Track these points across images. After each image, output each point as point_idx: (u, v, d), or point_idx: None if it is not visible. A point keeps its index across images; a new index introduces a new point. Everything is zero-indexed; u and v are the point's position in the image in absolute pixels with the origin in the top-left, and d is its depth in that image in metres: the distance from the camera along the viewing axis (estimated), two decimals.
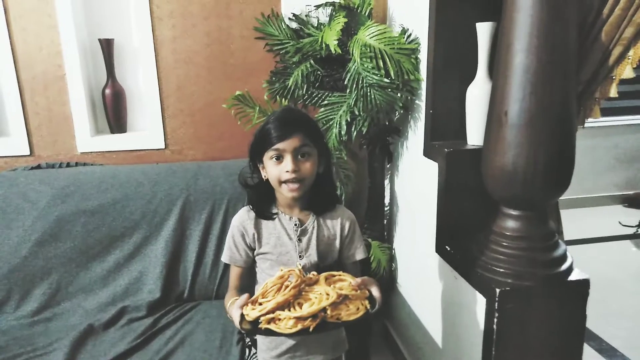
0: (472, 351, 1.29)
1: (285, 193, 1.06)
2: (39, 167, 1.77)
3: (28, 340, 1.41)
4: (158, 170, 1.72)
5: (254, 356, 1.33)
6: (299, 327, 0.90)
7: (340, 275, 1.04)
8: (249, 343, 1.39)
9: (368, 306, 0.98)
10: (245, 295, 0.98)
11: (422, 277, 1.64)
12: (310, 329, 0.91)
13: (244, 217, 1.12)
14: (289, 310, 0.92)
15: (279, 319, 0.91)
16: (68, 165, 1.79)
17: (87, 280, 1.59)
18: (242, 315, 0.95)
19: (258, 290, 1.15)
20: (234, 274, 1.16)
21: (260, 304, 0.94)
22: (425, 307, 1.67)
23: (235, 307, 0.97)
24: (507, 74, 1.07)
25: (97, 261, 1.61)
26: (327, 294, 0.94)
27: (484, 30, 1.27)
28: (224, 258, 1.15)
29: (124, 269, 1.62)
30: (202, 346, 1.38)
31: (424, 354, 1.69)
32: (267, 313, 0.92)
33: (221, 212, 1.67)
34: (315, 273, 1.02)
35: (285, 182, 1.04)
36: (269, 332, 0.92)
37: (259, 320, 0.92)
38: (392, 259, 1.92)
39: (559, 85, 1.05)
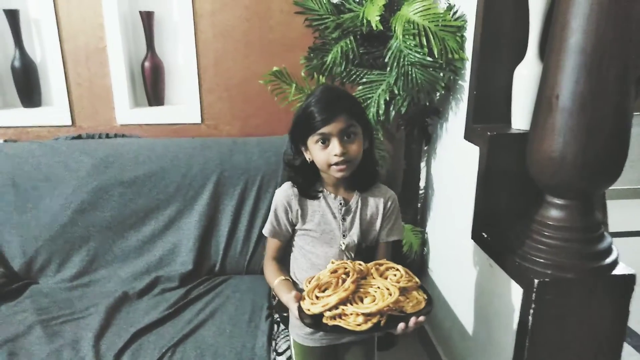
0: (503, 341, 1.26)
1: (334, 174, 1.04)
2: (79, 137, 1.81)
3: (67, 303, 1.47)
4: (194, 144, 1.73)
5: (282, 332, 1.34)
6: (370, 324, 0.88)
7: (386, 263, 1.03)
8: (278, 319, 1.40)
9: (425, 296, 0.97)
10: (295, 293, 0.98)
11: (455, 262, 1.60)
12: (381, 324, 0.90)
13: (289, 193, 1.11)
14: (351, 304, 0.91)
15: (345, 315, 0.90)
16: (107, 136, 1.83)
17: (123, 250, 1.63)
18: (300, 308, 0.94)
19: (296, 268, 1.15)
20: (274, 246, 1.16)
21: (317, 297, 0.93)
22: (456, 293, 1.64)
23: (290, 301, 0.98)
24: (560, 55, 1.01)
25: (133, 231, 1.64)
26: (387, 289, 0.92)
27: (537, 7, 1.20)
28: (265, 231, 1.15)
29: (159, 240, 1.65)
30: (231, 319, 1.40)
31: (452, 340, 1.67)
32: (331, 309, 0.90)
33: (254, 189, 1.67)
34: (362, 263, 1.01)
35: (334, 164, 1.02)
36: (337, 329, 0.90)
37: (322, 315, 0.91)
38: (424, 243, 1.89)
39: (616, 69, 0.98)
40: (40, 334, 1.30)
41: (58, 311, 1.42)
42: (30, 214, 1.60)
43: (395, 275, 0.99)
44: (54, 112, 1.87)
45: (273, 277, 1.10)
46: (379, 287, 0.94)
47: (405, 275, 0.99)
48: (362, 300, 0.92)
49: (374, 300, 0.91)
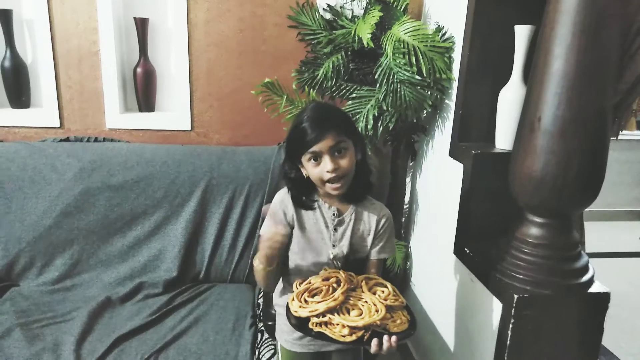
0: (483, 355, 1.29)
1: (330, 192, 1.07)
2: (67, 139, 1.80)
3: (48, 306, 1.45)
4: (183, 151, 1.74)
5: (265, 341, 1.35)
6: (354, 337, 0.91)
7: (376, 279, 1.06)
8: (262, 328, 1.41)
9: (408, 317, 1.00)
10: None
11: (438, 277, 1.63)
12: (365, 339, 0.92)
13: (286, 197, 1.13)
14: (338, 315, 0.94)
15: (331, 324, 0.93)
16: (96, 140, 1.83)
17: (107, 254, 1.63)
18: (287, 308, 0.97)
19: (289, 271, 1.17)
20: None
21: (306, 301, 0.96)
22: (438, 308, 1.66)
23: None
24: (543, 79, 1.05)
25: (118, 236, 1.64)
26: (375, 305, 0.95)
27: (522, 34, 1.25)
28: (262, 231, 1.16)
29: (144, 245, 1.65)
30: (215, 327, 1.40)
31: (433, 353, 1.69)
32: (318, 315, 0.93)
33: (242, 198, 1.69)
34: (352, 274, 1.04)
35: (328, 181, 1.04)
36: (321, 335, 0.93)
37: (308, 319, 0.94)
38: (407, 257, 1.92)
39: (596, 94, 1.03)
40: (20, 337, 1.29)
41: (39, 314, 1.40)
42: (14, 215, 1.59)
43: (383, 292, 1.01)
44: (42, 113, 1.86)
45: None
46: (366, 302, 0.96)
47: (393, 293, 1.01)
48: (348, 312, 0.95)
49: (361, 314, 0.93)
